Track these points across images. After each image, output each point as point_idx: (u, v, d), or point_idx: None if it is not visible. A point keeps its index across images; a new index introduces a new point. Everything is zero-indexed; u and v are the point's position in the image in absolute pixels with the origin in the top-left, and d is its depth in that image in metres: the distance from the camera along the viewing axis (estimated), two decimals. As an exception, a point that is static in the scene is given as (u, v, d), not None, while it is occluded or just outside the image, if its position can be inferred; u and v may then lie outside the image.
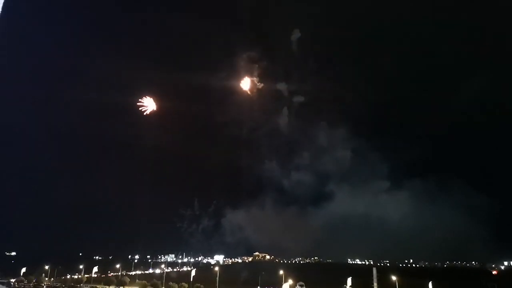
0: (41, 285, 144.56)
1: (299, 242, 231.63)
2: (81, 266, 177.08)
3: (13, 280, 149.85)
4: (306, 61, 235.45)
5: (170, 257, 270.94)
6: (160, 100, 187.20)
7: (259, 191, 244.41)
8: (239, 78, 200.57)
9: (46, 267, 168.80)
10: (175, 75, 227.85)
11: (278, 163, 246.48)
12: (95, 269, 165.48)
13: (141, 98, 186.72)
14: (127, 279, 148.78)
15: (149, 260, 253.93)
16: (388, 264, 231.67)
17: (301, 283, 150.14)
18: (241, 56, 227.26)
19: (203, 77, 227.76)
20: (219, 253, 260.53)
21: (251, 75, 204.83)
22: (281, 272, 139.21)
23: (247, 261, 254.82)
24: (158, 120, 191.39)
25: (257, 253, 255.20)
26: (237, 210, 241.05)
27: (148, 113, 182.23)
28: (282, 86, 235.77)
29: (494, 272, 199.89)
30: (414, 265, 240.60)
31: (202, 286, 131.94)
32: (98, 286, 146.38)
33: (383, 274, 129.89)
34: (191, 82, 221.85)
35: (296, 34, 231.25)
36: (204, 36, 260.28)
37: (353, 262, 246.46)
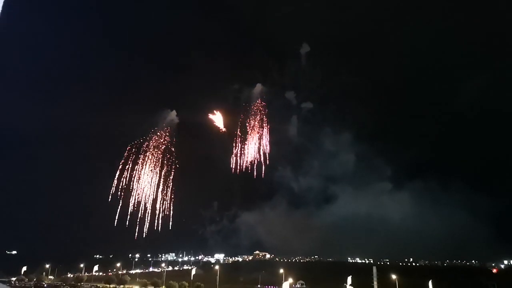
0: (41, 284, 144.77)
1: (304, 241, 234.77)
2: (81, 265, 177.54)
3: (13, 279, 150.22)
4: (313, 72, 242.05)
5: (171, 256, 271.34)
6: (179, 110, 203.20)
7: (270, 195, 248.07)
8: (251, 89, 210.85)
9: (47, 266, 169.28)
10: (192, 88, 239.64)
11: (288, 168, 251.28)
12: (96, 267, 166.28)
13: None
14: (128, 278, 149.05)
15: (150, 259, 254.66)
16: (388, 263, 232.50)
17: (301, 281, 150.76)
18: (252, 69, 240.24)
19: (218, 88, 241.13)
20: (219, 252, 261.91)
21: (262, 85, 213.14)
22: (281, 270, 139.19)
23: (247, 259, 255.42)
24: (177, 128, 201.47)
25: (257, 251, 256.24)
26: (249, 212, 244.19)
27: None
28: (290, 95, 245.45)
29: (494, 271, 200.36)
30: (414, 264, 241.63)
31: (202, 285, 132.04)
32: (98, 285, 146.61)
33: (383, 273, 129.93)
34: (206, 94, 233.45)
35: (305, 48, 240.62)
36: (217, 49, 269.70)
37: (353, 261, 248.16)
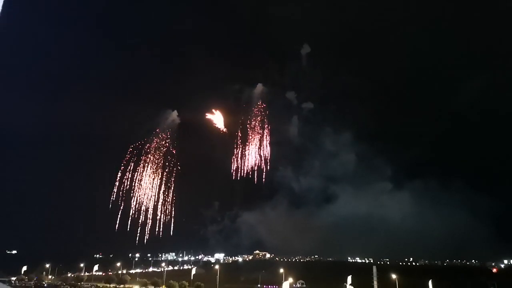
0: (41, 284, 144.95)
1: (304, 241, 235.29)
2: (81, 265, 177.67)
3: (13, 278, 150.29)
4: (314, 73, 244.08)
5: (171, 256, 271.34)
6: (180, 111, 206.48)
7: (270, 195, 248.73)
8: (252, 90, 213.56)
9: (47, 266, 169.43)
10: (193, 88, 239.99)
11: (289, 168, 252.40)
12: (96, 267, 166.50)
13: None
14: (128, 277, 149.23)
15: (150, 259, 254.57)
16: (388, 263, 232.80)
17: (301, 281, 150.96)
18: (253, 69, 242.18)
19: (218, 89, 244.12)
20: (219, 252, 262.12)
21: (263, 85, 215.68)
22: (282, 270, 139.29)
23: (247, 259, 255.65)
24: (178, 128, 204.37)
25: (257, 251, 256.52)
26: (250, 212, 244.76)
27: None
28: (291, 96, 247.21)
29: (494, 270, 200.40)
30: (414, 264, 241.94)
31: (202, 284, 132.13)
32: (99, 285, 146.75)
33: (383, 273, 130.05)
34: (207, 94, 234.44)
35: (305, 48, 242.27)
36: (217, 49, 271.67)
37: (353, 260, 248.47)
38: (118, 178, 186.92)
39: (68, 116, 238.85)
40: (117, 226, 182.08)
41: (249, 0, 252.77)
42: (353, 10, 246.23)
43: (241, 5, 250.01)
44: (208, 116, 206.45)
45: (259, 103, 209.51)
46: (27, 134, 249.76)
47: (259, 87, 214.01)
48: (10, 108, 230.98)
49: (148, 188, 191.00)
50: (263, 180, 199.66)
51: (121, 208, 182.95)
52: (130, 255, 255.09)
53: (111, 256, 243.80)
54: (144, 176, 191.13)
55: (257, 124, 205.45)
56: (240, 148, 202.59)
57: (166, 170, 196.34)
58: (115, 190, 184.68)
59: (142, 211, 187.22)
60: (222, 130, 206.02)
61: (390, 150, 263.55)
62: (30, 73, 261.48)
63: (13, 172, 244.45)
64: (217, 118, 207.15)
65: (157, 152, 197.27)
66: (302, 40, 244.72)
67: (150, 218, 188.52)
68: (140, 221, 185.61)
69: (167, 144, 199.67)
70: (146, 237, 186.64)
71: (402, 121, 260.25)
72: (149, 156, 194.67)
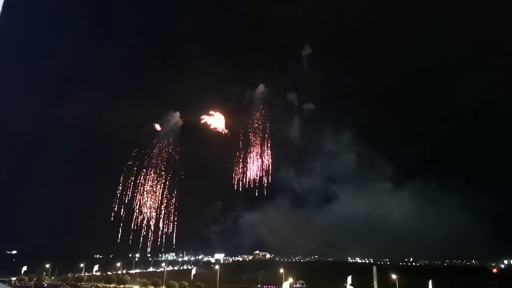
0: (42, 284, 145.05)
1: (305, 241, 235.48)
2: (81, 265, 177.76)
3: (14, 279, 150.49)
4: (314, 73, 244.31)
5: (171, 256, 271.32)
6: (184, 113, 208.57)
7: (272, 195, 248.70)
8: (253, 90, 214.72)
9: (47, 266, 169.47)
10: (194, 89, 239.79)
11: (290, 169, 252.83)
12: (96, 267, 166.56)
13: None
14: (128, 278, 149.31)
15: (150, 259, 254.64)
16: (388, 263, 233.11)
17: (301, 281, 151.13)
18: (254, 71, 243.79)
19: (219, 90, 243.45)
20: (220, 252, 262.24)
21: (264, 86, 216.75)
22: (282, 270, 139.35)
23: (247, 259, 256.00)
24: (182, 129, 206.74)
25: (257, 251, 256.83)
26: (251, 212, 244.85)
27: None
28: (292, 96, 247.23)
29: (494, 270, 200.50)
30: (414, 264, 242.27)
31: (202, 284, 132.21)
32: (99, 285, 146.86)
33: (383, 273, 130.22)
34: (208, 95, 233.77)
35: (306, 49, 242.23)
36: (218, 50, 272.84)
37: (353, 260, 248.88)
38: (121, 181, 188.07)
39: (68, 116, 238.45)
40: (119, 235, 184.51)
41: (249, 0, 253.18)
42: (353, 10, 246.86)
43: (241, 5, 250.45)
44: (206, 118, 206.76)
45: (261, 107, 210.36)
46: (27, 134, 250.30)
47: (261, 87, 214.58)
48: (11, 108, 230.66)
49: (151, 191, 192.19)
50: (264, 192, 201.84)
51: (123, 216, 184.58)
52: (130, 255, 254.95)
53: (111, 256, 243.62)
54: (147, 181, 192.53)
55: (258, 132, 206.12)
56: (243, 154, 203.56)
57: (170, 175, 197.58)
58: (118, 192, 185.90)
59: (144, 218, 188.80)
60: (224, 131, 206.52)
61: (390, 150, 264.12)
62: (30, 73, 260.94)
63: (13, 172, 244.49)
64: (217, 120, 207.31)
65: (160, 155, 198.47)
66: (303, 40, 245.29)
67: (153, 229, 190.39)
68: (142, 233, 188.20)
69: (169, 150, 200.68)
70: (149, 249, 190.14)
71: (402, 121, 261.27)
72: (152, 161, 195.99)
